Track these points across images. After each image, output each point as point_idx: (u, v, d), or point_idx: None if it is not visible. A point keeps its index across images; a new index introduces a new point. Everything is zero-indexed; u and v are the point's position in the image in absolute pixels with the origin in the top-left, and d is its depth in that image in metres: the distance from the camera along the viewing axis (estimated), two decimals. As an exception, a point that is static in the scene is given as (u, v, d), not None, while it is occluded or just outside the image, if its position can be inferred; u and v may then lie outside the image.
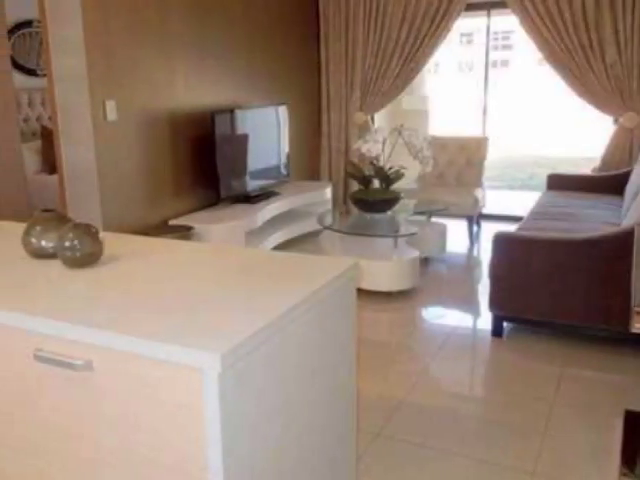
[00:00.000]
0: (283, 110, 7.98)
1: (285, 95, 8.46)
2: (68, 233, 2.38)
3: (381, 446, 3.69)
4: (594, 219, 5.85)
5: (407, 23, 8.37)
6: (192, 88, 6.75)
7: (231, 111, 6.96)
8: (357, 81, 8.88)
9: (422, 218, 7.02)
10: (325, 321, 2.26)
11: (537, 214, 6.21)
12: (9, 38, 8.04)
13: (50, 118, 6.36)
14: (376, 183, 6.44)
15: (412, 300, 5.98)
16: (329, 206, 8.28)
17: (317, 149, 9.43)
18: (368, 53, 8.73)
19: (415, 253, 6.12)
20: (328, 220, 6.71)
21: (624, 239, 4.52)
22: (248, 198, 7.21)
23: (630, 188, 6.33)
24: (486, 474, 3.41)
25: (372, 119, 9.23)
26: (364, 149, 6.30)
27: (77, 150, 5.58)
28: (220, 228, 6.30)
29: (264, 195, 7.42)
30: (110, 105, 5.66)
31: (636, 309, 3.26)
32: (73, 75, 5.44)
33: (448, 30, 8.29)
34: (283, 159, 8.02)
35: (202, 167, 6.88)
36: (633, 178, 6.47)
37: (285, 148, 8.05)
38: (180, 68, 6.54)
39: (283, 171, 8.04)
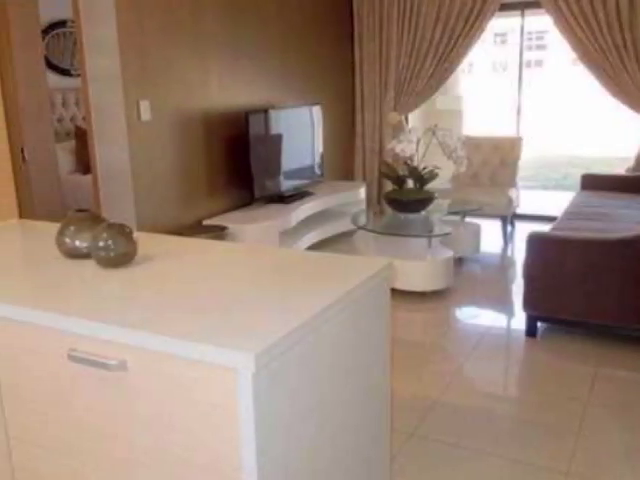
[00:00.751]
0: (317, 110, 8.01)
1: (319, 95, 8.49)
2: (102, 233, 2.39)
3: (415, 446, 3.71)
4: (628, 219, 5.83)
5: (441, 23, 8.37)
6: (226, 88, 6.79)
7: (265, 111, 7.00)
8: (391, 81, 8.88)
9: (456, 218, 7.01)
10: (359, 321, 2.26)
11: (571, 214, 6.19)
12: (43, 38, 8.07)
13: (84, 118, 6.37)
14: (410, 183, 6.46)
15: (446, 300, 5.99)
16: (363, 206, 8.29)
17: (351, 149, 9.45)
18: (402, 53, 8.73)
19: (449, 253, 6.13)
20: (362, 220, 6.73)
21: (659, 239, 4.51)
22: (282, 198, 7.25)
23: (665, 188, 6.30)
24: (520, 474, 3.42)
25: (406, 119, 9.24)
26: (398, 149, 6.31)
27: (111, 150, 5.61)
28: (254, 228, 6.34)
29: (298, 195, 7.46)
30: (144, 105, 5.70)
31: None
32: (107, 75, 5.48)
33: (482, 30, 8.28)
34: (317, 159, 8.05)
35: (236, 167, 6.91)
36: (668, 178, 6.44)
37: (319, 148, 8.08)
38: (214, 68, 6.58)
39: (317, 171, 8.07)
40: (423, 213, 6.43)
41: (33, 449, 2.27)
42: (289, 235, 6.92)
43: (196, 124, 6.38)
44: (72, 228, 2.55)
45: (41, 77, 5.46)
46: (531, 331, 5.12)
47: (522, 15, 8.64)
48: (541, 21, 8.98)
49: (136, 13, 5.56)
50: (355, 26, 9.01)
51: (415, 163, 6.31)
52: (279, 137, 7.23)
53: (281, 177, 7.28)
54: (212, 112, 6.58)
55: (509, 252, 7.69)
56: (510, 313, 5.76)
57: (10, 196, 3.40)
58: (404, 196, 6.30)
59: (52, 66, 9.13)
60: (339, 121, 9.10)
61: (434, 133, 6.36)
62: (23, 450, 2.31)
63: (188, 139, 6.27)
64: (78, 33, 5.44)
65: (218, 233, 5.98)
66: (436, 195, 6.43)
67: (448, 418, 3.99)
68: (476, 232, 7.06)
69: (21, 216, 3.46)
